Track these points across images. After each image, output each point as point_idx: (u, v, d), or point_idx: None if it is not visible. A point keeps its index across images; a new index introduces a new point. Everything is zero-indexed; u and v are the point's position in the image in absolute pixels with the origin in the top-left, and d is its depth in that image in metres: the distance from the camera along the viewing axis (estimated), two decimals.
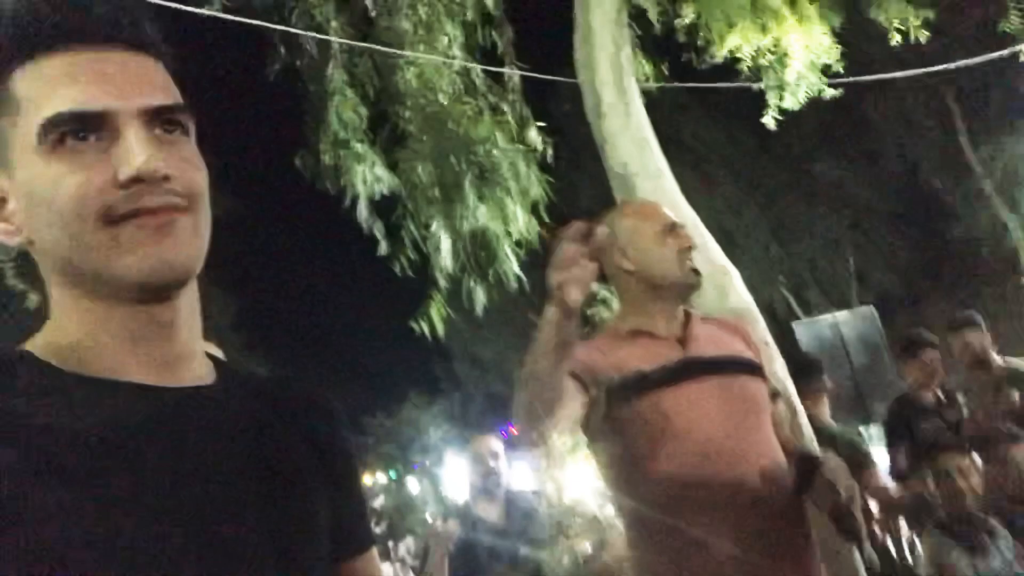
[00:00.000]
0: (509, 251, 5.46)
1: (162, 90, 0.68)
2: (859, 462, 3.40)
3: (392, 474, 27.59)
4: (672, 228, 1.81)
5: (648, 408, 1.61)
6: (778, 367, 3.45)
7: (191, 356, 0.72)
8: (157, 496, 0.60)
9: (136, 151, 0.63)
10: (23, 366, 0.64)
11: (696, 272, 1.78)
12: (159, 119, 0.66)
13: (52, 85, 0.64)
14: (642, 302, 1.78)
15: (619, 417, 1.63)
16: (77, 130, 0.63)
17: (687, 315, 1.80)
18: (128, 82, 0.65)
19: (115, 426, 0.62)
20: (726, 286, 4.10)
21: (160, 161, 0.64)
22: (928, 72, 6.18)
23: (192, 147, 0.70)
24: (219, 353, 1.58)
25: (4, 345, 0.70)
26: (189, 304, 0.71)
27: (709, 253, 4.24)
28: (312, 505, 0.73)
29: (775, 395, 1.82)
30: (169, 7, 4.04)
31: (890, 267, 16.28)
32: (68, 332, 0.68)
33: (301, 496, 0.72)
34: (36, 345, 0.68)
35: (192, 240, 0.67)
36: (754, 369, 1.75)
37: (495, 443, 3.22)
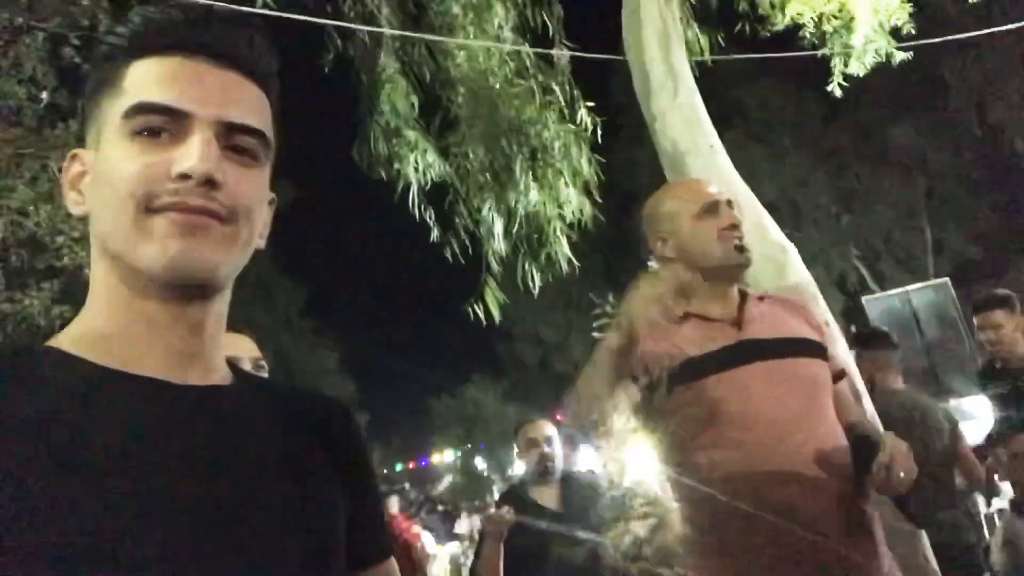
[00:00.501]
0: (561, 233, 5.43)
1: (250, 112, 0.72)
2: (929, 437, 3.28)
3: (457, 453, 28.03)
4: (712, 207, 1.74)
5: (701, 394, 1.58)
6: (840, 348, 3.33)
7: (211, 358, 0.73)
8: (174, 494, 0.61)
9: (195, 151, 0.67)
10: (47, 361, 0.66)
11: (741, 250, 1.71)
12: (233, 137, 0.70)
13: (152, 79, 0.69)
14: (691, 286, 1.73)
15: (674, 403, 1.61)
16: (155, 123, 0.68)
17: (743, 295, 1.74)
18: (216, 93, 0.70)
19: (135, 421, 0.64)
20: (783, 263, 3.98)
21: (213, 167, 0.67)
22: (1007, 30, 5.79)
23: (260, 175, 0.73)
24: (251, 344, 1.62)
25: (32, 342, 0.72)
26: (218, 314, 0.73)
27: (765, 230, 4.12)
28: (329, 511, 0.73)
29: (838, 376, 1.75)
30: (223, 7, 4.13)
31: (969, 237, 15.51)
32: (100, 320, 0.70)
33: (318, 501, 0.72)
34: (67, 335, 0.70)
35: (222, 249, 0.69)
36: (814, 349, 1.69)
37: (547, 426, 3.20)
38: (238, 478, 0.66)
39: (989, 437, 3.44)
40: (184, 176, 0.66)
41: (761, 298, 1.77)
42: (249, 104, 0.72)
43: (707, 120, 4.43)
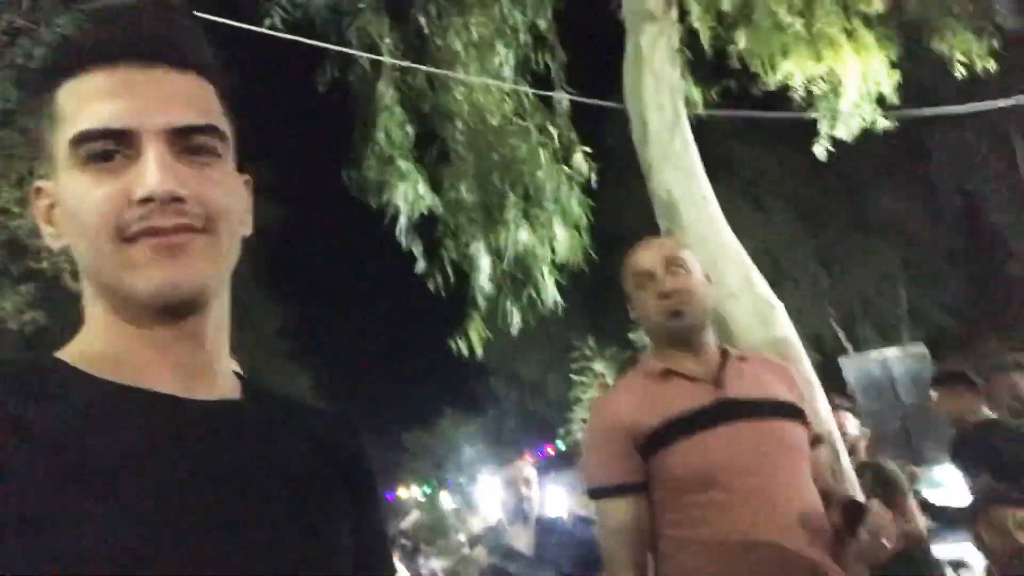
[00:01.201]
0: (547, 274, 5.45)
1: (195, 110, 0.68)
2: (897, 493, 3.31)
3: (426, 489, 27.63)
4: (645, 276, 1.74)
5: (683, 455, 1.57)
6: (821, 407, 3.35)
7: (217, 370, 0.72)
8: (182, 509, 0.60)
9: (150, 171, 0.64)
10: (55, 373, 0.65)
11: (677, 315, 1.68)
12: (186, 139, 0.67)
13: (86, 101, 0.66)
14: (662, 347, 1.74)
15: (655, 466, 1.59)
16: (103, 148, 0.65)
17: (724, 353, 1.73)
18: (157, 100, 0.66)
19: (142, 435, 0.63)
20: (771, 319, 4.02)
21: (173, 182, 0.65)
22: (989, 107, 5.98)
23: (224, 169, 0.70)
24: (240, 371, 1.60)
25: (39, 352, 0.71)
26: (216, 319, 0.72)
27: (754, 284, 4.17)
28: (334, 526, 0.72)
29: (817, 441, 1.74)
30: (223, 23, 4.16)
31: (945, 304, 15.77)
32: (99, 339, 0.69)
33: (324, 515, 0.71)
34: (70, 352, 0.69)
35: (207, 261, 0.67)
36: (794, 413, 1.67)
37: (528, 469, 3.18)
38: (246, 493, 0.65)
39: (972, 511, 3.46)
40: (147, 199, 0.64)
41: (742, 357, 1.75)
42: (192, 100, 0.68)
43: (701, 171, 4.51)
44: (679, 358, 1.69)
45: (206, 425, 0.67)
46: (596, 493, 1.66)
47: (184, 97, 0.68)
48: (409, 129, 5.52)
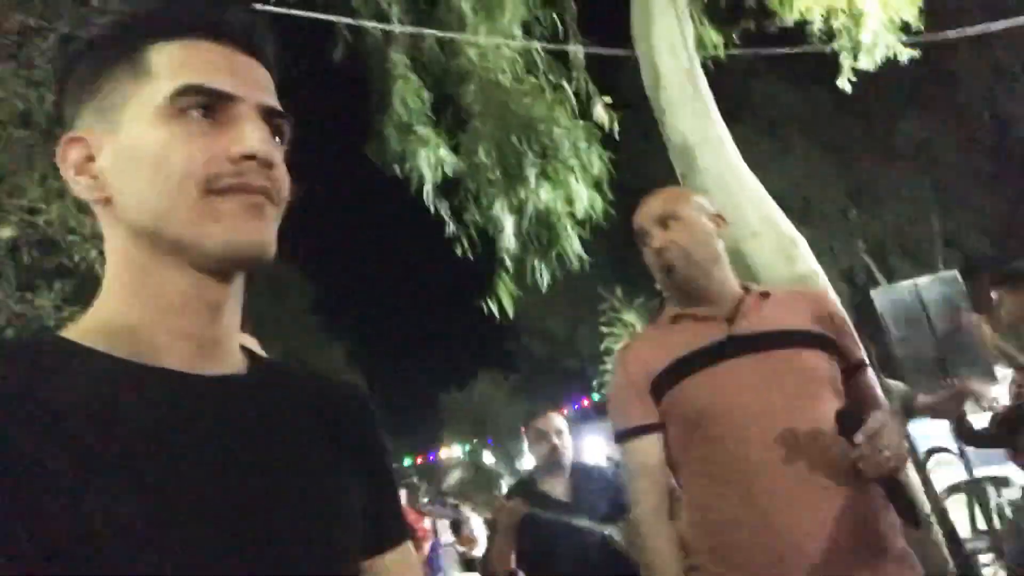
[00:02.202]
0: (571, 230, 5.45)
1: (273, 96, 0.74)
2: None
3: (467, 448, 28.09)
4: (641, 234, 1.76)
5: (689, 392, 1.60)
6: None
7: (229, 344, 0.73)
8: (188, 483, 0.61)
9: (255, 133, 0.69)
10: (61, 353, 0.65)
11: (669, 271, 1.70)
12: (271, 120, 0.72)
13: (189, 62, 0.69)
14: (671, 296, 1.78)
15: (667, 405, 1.63)
16: (203, 104, 0.68)
17: (745, 290, 1.73)
18: (252, 80, 0.72)
19: (148, 412, 0.63)
20: (794, 255, 4.02)
21: (272, 148, 0.70)
22: (1015, 24, 5.78)
23: (283, 156, 0.75)
24: (255, 345, 1.65)
25: (45, 334, 0.74)
26: (237, 294, 0.73)
27: (776, 223, 4.15)
28: (345, 496, 0.73)
29: (855, 368, 1.69)
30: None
31: (980, 230, 15.43)
32: (116, 309, 0.69)
33: (334, 486, 0.72)
34: (78, 328, 0.69)
35: (272, 229, 0.70)
36: (815, 341, 1.63)
37: (557, 419, 3.22)
38: (256, 467, 0.66)
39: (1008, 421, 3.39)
40: (248, 157, 0.67)
41: (765, 293, 1.73)
42: (271, 88, 0.73)
43: (716, 113, 4.45)
44: (693, 303, 1.72)
45: (214, 400, 0.67)
46: (617, 437, 1.72)
47: (267, 83, 0.74)
48: (425, 95, 5.50)
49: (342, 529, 0.72)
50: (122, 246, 0.69)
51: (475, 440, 27.62)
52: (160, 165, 0.66)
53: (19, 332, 6.35)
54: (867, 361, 1.77)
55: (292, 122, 0.74)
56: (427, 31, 5.39)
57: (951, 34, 6.18)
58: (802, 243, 4.10)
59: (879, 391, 1.75)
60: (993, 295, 3.52)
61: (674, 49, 4.52)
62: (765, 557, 1.47)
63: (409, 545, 0.84)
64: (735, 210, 4.23)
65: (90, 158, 0.70)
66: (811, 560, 1.43)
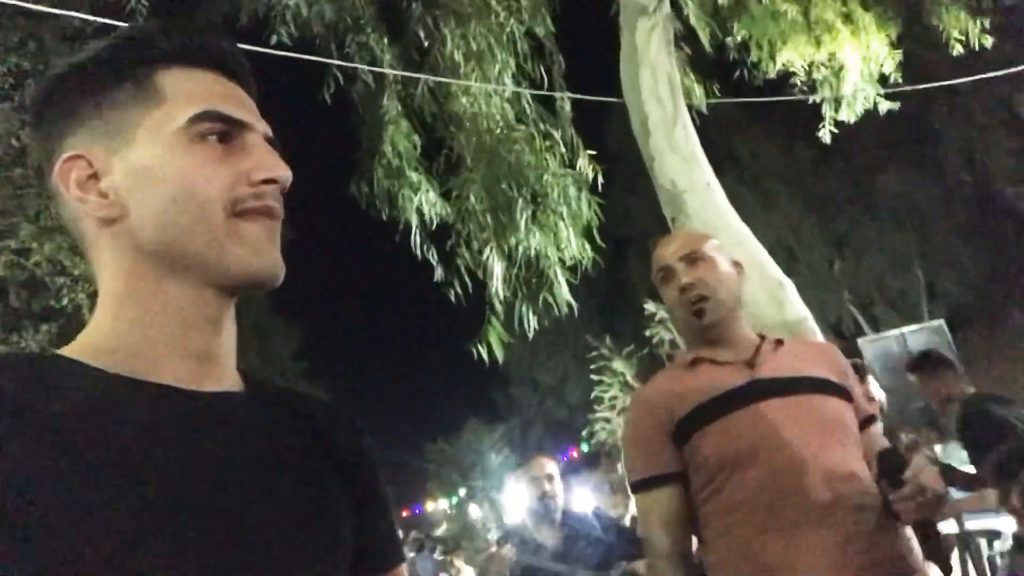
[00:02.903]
0: (561, 277, 5.47)
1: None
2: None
3: (453, 500, 27.61)
4: (666, 273, 1.73)
5: (716, 437, 1.54)
6: (872, 389, 3.33)
7: (226, 361, 0.73)
8: (186, 501, 0.61)
9: (273, 159, 0.72)
10: (59, 369, 0.65)
11: (699, 314, 1.66)
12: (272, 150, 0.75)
13: (201, 89, 0.71)
14: (691, 339, 1.73)
15: (691, 451, 1.57)
16: (220, 131, 0.70)
17: (761, 338, 1.70)
18: (253, 109, 0.75)
19: (144, 426, 0.63)
20: (782, 299, 4.05)
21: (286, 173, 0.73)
22: (991, 77, 5.97)
23: None
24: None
25: (43, 350, 0.73)
26: (233, 312, 0.75)
27: (763, 266, 4.19)
28: (337, 517, 0.73)
29: (869, 420, 1.67)
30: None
31: (963, 280, 15.64)
32: (112, 327, 0.68)
33: (327, 508, 0.72)
34: (74, 346, 0.69)
35: (279, 254, 0.73)
36: (833, 389, 1.61)
37: (548, 464, 3.18)
38: (249, 485, 0.65)
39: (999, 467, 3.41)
40: (270, 181, 0.70)
41: (779, 341, 1.71)
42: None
43: (704, 159, 4.54)
44: (712, 348, 1.67)
45: (211, 417, 0.67)
46: (635, 487, 1.65)
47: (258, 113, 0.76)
48: (416, 140, 5.57)
49: (336, 548, 0.71)
50: (129, 264, 0.69)
51: (461, 492, 27.18)
52: (184, 187, 0.67)
53: None
54: (877, 416, 1.75)
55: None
56: (419, 75, 5.49)
57: (928, 86, 6.36)
58: (790, 287, 4.14)
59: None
60: (910, 378, 3.66)
61: (661, 97, 4.63)
62: None
63: (403, 569, 0.82)
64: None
65: (93, 176, 0.69)
66: None
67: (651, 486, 1.60)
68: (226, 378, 0.72)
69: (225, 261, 0.68)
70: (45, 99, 0.72)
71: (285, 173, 0.71)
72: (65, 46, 6.39)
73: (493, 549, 2.95)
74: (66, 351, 0.67)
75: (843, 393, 1.62)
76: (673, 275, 1.70)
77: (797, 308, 4.03)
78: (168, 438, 0.63)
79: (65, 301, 6.69)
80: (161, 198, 0.68)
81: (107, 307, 0.70)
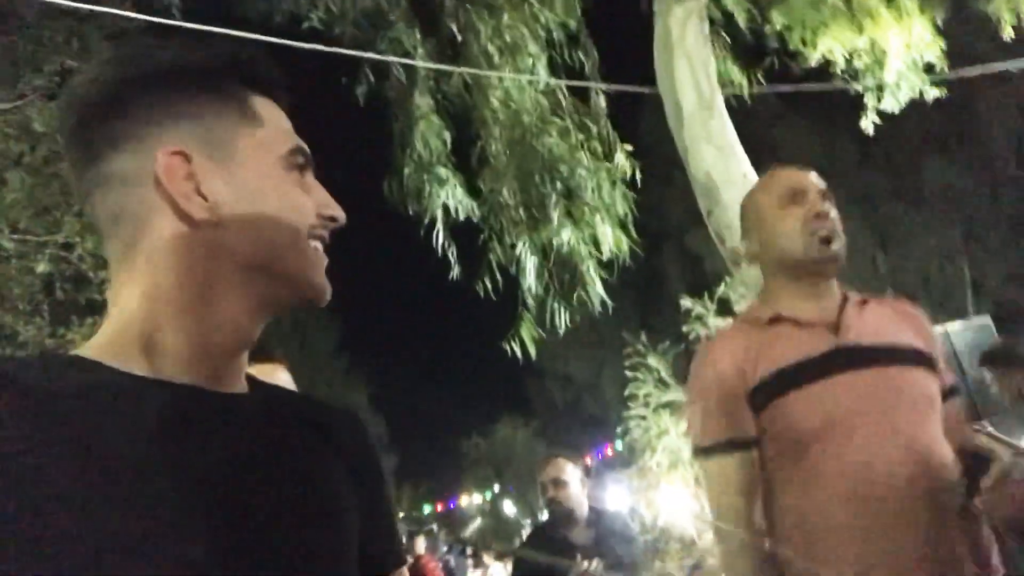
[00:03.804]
0: (594, 273, 5.41)
1: None
2: None
3: (486, 495, 27.69)
4: (796, 195, 1.58)
5: (797, 406, 1.44)
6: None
7: (241, 366, 0.75)
8: (196, 499, 0.61)
9: (331, 198, 0.79)
10: (75, 370, 0.65)
11: (827, 241, 1.53)
12: None
13: (287, 125, 0.79)
14: (780, 286, 1.59)
15: (768, 418, 1.47)
16: (302, 164, 0.78)
17: (844, 297, 1.59)
18: None
19: (164, 426, 0.64)
20: None
21: None
22: None
23: None
24: (289, 377, 1.63)
25: (58, 351, 0.73)
26: None
27: None
28: (346, 515, 0.74)
29: (950, 392, 1.57)
30: (254, 38, 4.25)
31: (1010, 275, 15.16)
32: (141, 325, 0.69)
33: (336, 508, 0.73)
34: (92, 345, 0.70)
35: None
36: (922, 360, 1.51)
37: (560, 467, 3.06)
38: (261, 485, 0.67)
39: None
40: (333, 219, 0.78)
41: (864, 301, 1.60)
42: None
43: (740, 149, 4.43)
44: (796, 301, 1.56)
45: (225, 417, 0.69)
46: (706, 451, 1.54)
47: None
48: (446, 136, 5.56)
49: (343, 548, 0.72)
50: (207, 268, 0.70)
51: (496, 488, 27.24)
52: (284, 211, 0.73)
53: None
54: (959, 388, 1.64)
55: None
56: (452, 68, 5.47)
57: (974, 71, 6.15)
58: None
59: (964, 421, 1.62)
60: (984, 372, 3.51)
61: (697, 86, 4.54)
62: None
63: (404, 572, 0.84)
64: None
65: (193, 175, 0.70)
66: None
67: (726, 451, 1.51)
68: (237, 382, 0.74)
69: (311, 279, 0.76)
70: (141, 84, 0.71)
71: (343, 215, 0.80)
72: (109, 45, 6.51)
73: (583, 565, 2.80)
74: (85, 351, 0.68)
75: (931, 364, 1.53)
76: (805, 198, 1.57)
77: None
78: (181, 435, 0.64)
79: (108, 294, 6.84)
80: (263, 217, 0.73)
81: (140, 302, 0.69)
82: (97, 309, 7.07)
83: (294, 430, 0.76)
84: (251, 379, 0.78)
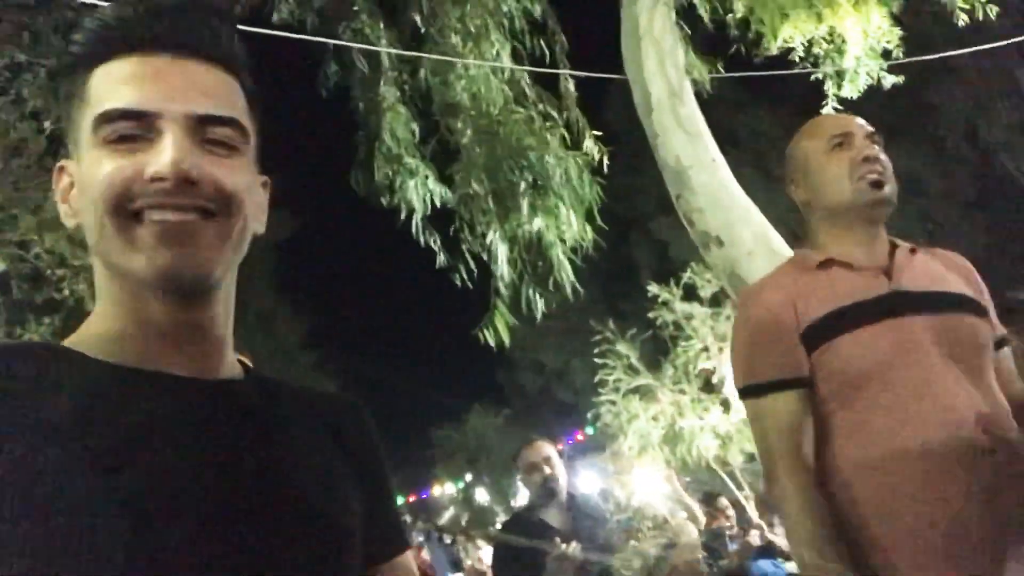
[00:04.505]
0: (564, 258, 5.45)
1: (218, 102, 0.69)
2: None
3: (459, 484, 27.73)
4: (844, 138, 1.54)
5: (852, 347, 1.40)
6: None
7: (223, 353, 0.73)
8: (191, 486, 0.61)
9: (166, 151, 0.65)
10: (63, 360, 0.65)
11: (878, 185, 1.50)
12: (205, 129, 0.68)
13: (114, 84, 0.67)
14: (829, 232, 1.56)
15: (820, 359, 1.43)
16: (125, 129, 0.66)
17: (892, 244, 1.56)
18: (182, 88, 0.67)
19: (152, 415, 0.63)
20: None
21: (188, 164, 0.65)
22: (995, 48, 5.91)
23: (241, 163, 0.71)
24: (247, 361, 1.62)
25: (48, 342, 0.74)
26: (222, 305, 0.72)
27: (770, 242, 4.18)
28: (345, 499, 0.72)
29: (1002, 342, 1.54)
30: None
31: (965, 256, 15.57)
32: (109, 323, 0.69)
33: (335, 492, 0.71)
34: (79, 338, 0.70)
35: (213, 249, 0.67)
36: (975, 307, 1.48)
37: (545, 447, 3.16)
38: (254, 471, 0.65)
39: None
40: (159, 178, 0.64)
41: (913, 249, 1.58)
42: (217, 93, 0.70)
43: (708, 134, 4.50)
44: (847, 246, 1.52)
45: (214, 404, 0.67)
46: (757, 389, 1.47)
47: (209, 89, 0.69)
48: (414, 126, 5.54)
49: (341, 534, 0.70)
50: (100, 269, 0.70)
51: (468, 477, 27.27)
52: (90, 194, 0.66)
53: None
54: (1007, 338, 1.60)
55: (240, 124, 0.71)
56: (416, 54, 5.45)
57: (932, 58, 6.30)
58: None
59: (1015, 370, 1.59)
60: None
61: (665, 73, 4.59)
62: (933, 529, 1.31)
63: (409, 555, 0.83)
64: (729, 229, 4.28)
65: (71, 185, 0.71)
66: (981, 538, 1.30)
67: (778, 389, 1.45)
68: (225, 368, 0.72)
69: (129, 267, 0.66)
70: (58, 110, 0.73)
71: (176, 167, 0.64)
72: (59, 39, 6.36)
73: (562, 548, 2.83)
74: (69, 342, 0.69)
75: (983, 312, 1.50)
76: (852, 142, 1.54)
77: None
78: (168, 425, 0.63)
79: (67, 292, 6.69)
80: (85, 208, 0.68)
81: (100, 302, 0.71)
82: (55, 308, 6.90)
83: (288, 415, 0.74)
84: (247, 369, 0.77)
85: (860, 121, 1.59)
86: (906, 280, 1.47)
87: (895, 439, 1.35)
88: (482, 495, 26.69)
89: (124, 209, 0.65)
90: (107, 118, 0.66)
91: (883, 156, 1.54)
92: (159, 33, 0.69)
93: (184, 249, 0.65)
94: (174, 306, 0.68)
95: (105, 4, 0.73)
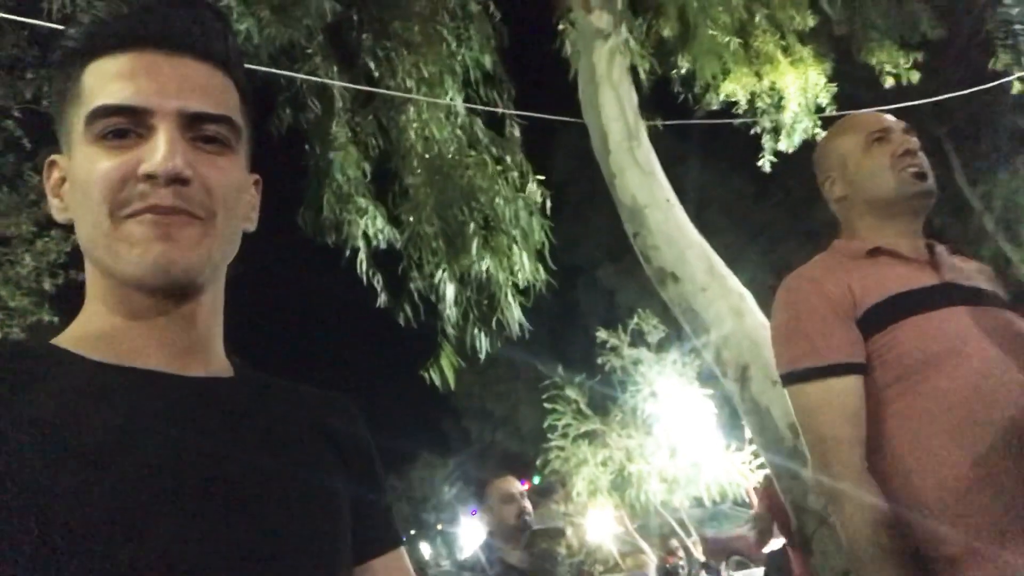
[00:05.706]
0: (512, 298, 5.50)
1: (211, 99, 0.69)
2: None
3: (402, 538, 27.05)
4: (883, 133, 1.54)
5: (909, 334, 1.39)
6: None
7: (211, 351, 0.72)
8: (179, 483, 0.60)
9: (159, 149, 0.65)
10: (46, 356, 0.65)
11: (922, 177, 1.50)
12: (199, 126, 0.68)
13: (107, 80, 0.67)
14: (870, 226, 1.55)
15: (877, 344, 1.41)
16: (117, 125, 0.66)
17: (929, 244, 1.56)
18: (176, 84, 0.67)
19: (139, 413, 0.62)
20: (742, 308, 4.17)
21: (180, 162, 0.65)
22: (918, 106, 6.31)
23: (233, 161, 0.71)
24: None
25: (34, 340, 0.72)
26: (210, 305, 0.72)
27: (723, 277, 4.31)
28: (333, 500, 0.72)
29: None
30: None
31: None
32: (95, 320, 0.69)
33: (324, 489, 0.71)
34: (67, 336, 0.69)
35: (201, 248, 0.67)
36: (1012, 307, 1.50)
37: (517, 482, 3.14)
38: (243, 467, 0.65)
39: None
40: (152, 176, 0.64)
41: (948, 248, 1.59)
42: (210, 91, 0.69)
43: (662, 175, 4.66)
44: (891, 237, 1.51)
45: (200, 400, 0.67)
46: (810, 374, 1.42)
47: (202, 86, 0.69)
48: (365, 167, 5.57)
49: (331, 530, 0.70)
50: (89, 265, 0.70)
51: (412, 532, 26.63)
52: (83, 190, 0.66)
53: None
54: None
55: (233, 122, 0.71)
56: (371, 89, 5.50)
57: (860, 113, 6.64)
58: (749, 298, 4.26)
59: None
60: None
61: (623, 116, 4.76)
62: (994, 520, 1.29)
63: (402, 551, 0.82)
64: (684, 266, 4.41)
65: (63, 180, 0.71)
66: None
67: (834, 374, 1.41)
68: (212, 364, 0.72)
69: (120, 265, 0.66)
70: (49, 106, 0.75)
71: (166, 165, 0.64)
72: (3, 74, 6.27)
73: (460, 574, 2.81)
74: (57, 340, 0.68)
75: (1015, 309, 1.51)
76: (890, 137, 1.54)
77: (757, 317, 4.15)
78: (153, 421, 0.63)
79: (0, 335, 6.43)
80: (78, 204, 0.69)
81: (88, 299, 0.71)
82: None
83: (278, 412, 0.73)
84: (236, 366, 0.76)
85: (897, 120, 1.60)
86: (953, 275, 1.47)
87: (960, 427, 1.33)
88: (426, 549, 26.05)
89: (118, 206, 0.65)
90: (100, 114, 0.66)
91: (920, 148, 1.56)
92: (153, 30, 0.69)
93: (172, 245, 0.65)
94: (162, 303, 0.68)
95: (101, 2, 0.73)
